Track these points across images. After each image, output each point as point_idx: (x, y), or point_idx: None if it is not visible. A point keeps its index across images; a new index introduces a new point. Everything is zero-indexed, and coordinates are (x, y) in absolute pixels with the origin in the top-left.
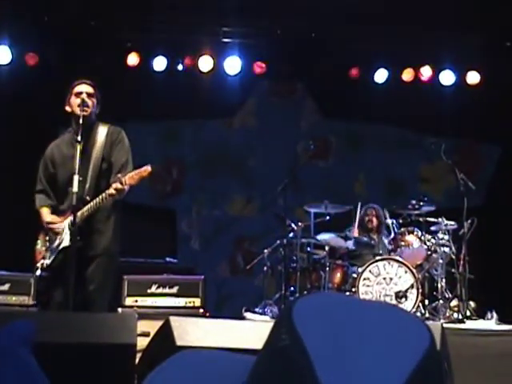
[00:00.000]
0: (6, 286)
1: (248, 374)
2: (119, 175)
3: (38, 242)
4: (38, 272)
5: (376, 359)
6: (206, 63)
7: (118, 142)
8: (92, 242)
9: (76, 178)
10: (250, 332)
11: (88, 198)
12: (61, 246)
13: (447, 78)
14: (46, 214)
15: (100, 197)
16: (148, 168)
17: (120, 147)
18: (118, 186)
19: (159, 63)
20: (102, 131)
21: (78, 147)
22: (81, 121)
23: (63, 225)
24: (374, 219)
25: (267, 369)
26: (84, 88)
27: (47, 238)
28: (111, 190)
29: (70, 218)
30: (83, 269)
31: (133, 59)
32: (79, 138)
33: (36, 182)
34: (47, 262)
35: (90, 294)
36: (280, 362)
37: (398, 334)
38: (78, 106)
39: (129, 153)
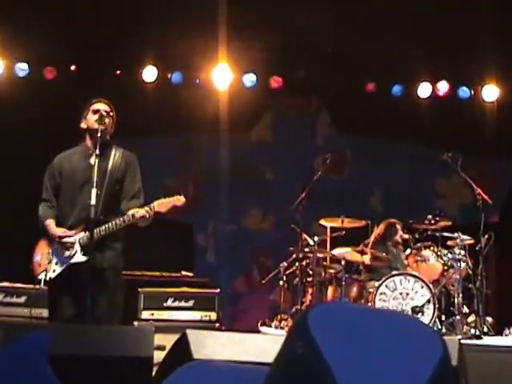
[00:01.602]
0: (22, 299)
1: (262, 383)
2: (147, 207)
3: (38, 254)
4: (41, 284)
5: (392, 366)
6: (222, 77)
7: (133, 168)
8: (103, 255)
9: (94, 191)
10: (266, 346)
11: (101, 217)
12: (72, 261)
13: (463, 92)
14: (54, 227)
15: (121, 219)
16: (182, 198)
17: (134, 174)
18: (147, 212)
19: (175, 77)
20: (116, 153)
21: (96, 161)
22: (99, 134)
23: (74, 239)
24: (400, 234)
25: (284, 377)
26: (101, 106)
27: (50, 250)
28: (137, 215)
29: (81, 233)
30: (94, 282)
31: (149, 73)
32: (97, 152)
33: (41, 191)
34: (51, 275)
35: (101, 308)
36: (297, 370)
37: (413, 342)
38: (96, 121)
39: (140, 180)
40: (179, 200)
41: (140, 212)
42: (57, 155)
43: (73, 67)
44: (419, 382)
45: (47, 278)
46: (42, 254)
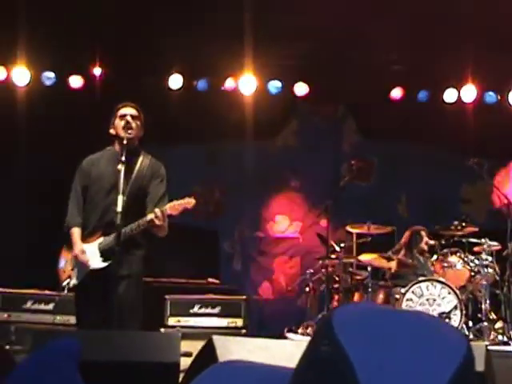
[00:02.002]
0: (50, 306)
1: (288, 382)
2: (164, 209)
3: (62, 260)
4: (65, 291)
5: (415, 366)
6: (248, 84)
7: (158, 177)
8: (123, 262)
9: (120, 198)
10: (293, 352)
11: (121, 224)
12: (91, 267)
13: (489, 98)
14: (78, 240)
15: (136, 223)
16: (192, 200)
17: (159, 181)
18: (158, 214)
19: (201, 84)
20: (144, 161)
21: (122, 168)
22: (125, 142)
23: (94, 245)
24: (426, 240)
25: (308, 377)
26: (128, 111)
27: (73, 256)
28: (150, 217)
29: (100, 239)
30: (112, 289)
31: (175, 81)
32: (123, 159)
33: (70, 192)
34: (74, 281)
35: (122, 315)
36: (321, 370)
37: (436, 342)
38: (123, 128)
39: (165, 189)
40: (189, 202)
41: (152, 216)
42: (85, 158)
43: (98, 74)
44: (442, 380)
45: (71, 285)
46: (66, 260)
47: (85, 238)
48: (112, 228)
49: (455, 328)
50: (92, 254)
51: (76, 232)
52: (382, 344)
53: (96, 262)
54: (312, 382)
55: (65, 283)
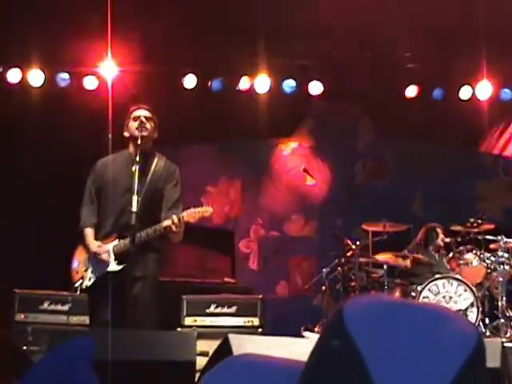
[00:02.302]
0: (66, 307)
1: (300, 374)
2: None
3: (75, 261)
4: (78, 292)
5: (425, 358)
6: (262, 83)
7: (173, 179)
8: (138, 264)
9: (135, 198)
10: (309, 349)
11: (135, 224)
12: (106, 270)
13: (505, 94)
14: (92, 240)
15: (153, 228)
16: (210, 209)
17: (174, 184)
18: (175, 221)
19: (216, 84)
20: (159, 162)
21: (137, 168)
22: (139, 141)
23: (107, 247)
24: (442, 237)
25: (320, 369)
26: (142, 112)
27: (87, 257)
28: (167, 223)
29: (115, 241)
30: (127, 291)
31: (190, 81)
32: (137, 159)
33: (84, 194)
34: (87, 283)
35: (135, 317)
36: (333, 363)
37: (446, 333)
38: (137, 128)
39: (180, 191)
40: (207, 211)
41: (169, 222)
42: (99, 160)
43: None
44: (451, 372)
45: (83, 286)
46: (79, 261)
47: (100, 240)
48: (127, 230)
49: (466, 319)
50: (107, 257)
51: (90, 232)
52: (392, 336)
53: (111, 264)
54: (323, 374)
55: (77, 284)
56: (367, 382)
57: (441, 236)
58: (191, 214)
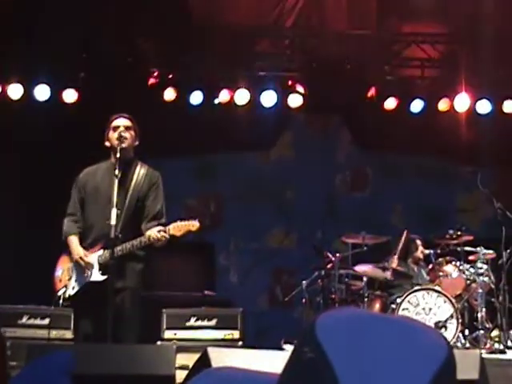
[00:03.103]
0: (45, 321)
1: None
2: (162, 227)
3: (59, 269)
4: (60, 301)
5: (396, 370)
6: (242, 97)
7: (155, 188)
8: (121, 275)
9: (114, 211)
10: None
11: (120, 235)
12: (88, 280)
13: (484, 107)
14: (77, 247)
15: (138, 240)
16: (196, 223)
17: (156, 193)
18: (162, 233)
19: (196, 97)
20: (140, 171)
21: (116, 181)
22: (118, 153)
23: (92, 257)
24: (421, 249)
25: (292, 380)
26: (121, 122)
27: (71, 266)
28: (153, 235)
29: (100, 251)
30: (110, 302)
31: (169, 94)
32: (117, 172)
33: (67, 204)
34: (70, 292)
35: (118, 329)
36: (305, 375)
37: (416, 346)
38: (116, 139)
39: (163, 200)
40: (194, 225)
41: (156, 235)
42: (82, 170)
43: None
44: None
45: (66, 295)
46: (63, 269)
47: (85, 250)
48: (113, 242)
49: (437, 332)
50: (90, 268)
51: (74, 239)
52: (363, 348)
53: (95, 274)
54: None
55: (60, 292)
56: None
57: (420, 248)
58: (177, 227)
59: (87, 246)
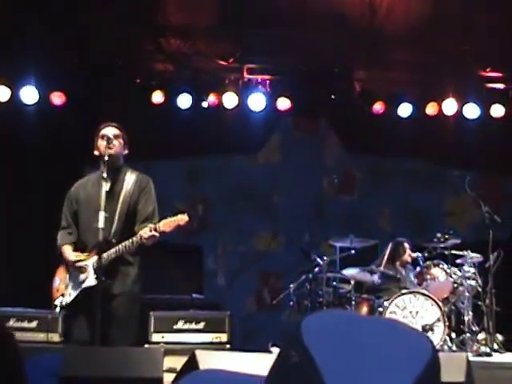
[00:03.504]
0: (33, 324)
1: None
2: (153, 225)
3: (56, 279)
4: (57, 310)
5: (381, 372)
6: (230, 100)
7: (146, 192)
8: (116, 281)
9: (102, 214)
10: None
11: (114, 240)
12: (84, 285)
13: (471, 111)
14: (70, 253)
15: (130, 240)
16: (185, 217)
17: (147, 197)
18: (153, 232)
19: (184, 101)
20: (130, 177)
21: (104, 185)
22: (106, 158)
23: (88, 263)
24: (409, 253)
25: (278, 381)
26: (109, 131)
27: (67, 275)
28: (144, 234)
29: (95, 257)
30: (106, 308)
31: (157, 97)
32: (105, 175)
33: (61, 219)
34: (67, 300)
35: (112, 334)
36: (290, 377)
37: (401, 347)
38: (104, 147)
39: (155, 203)
40: (183, 219)
41: (146, 233)
42: (75, 183)
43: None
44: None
45: (63, 304)
46: (60, 279)
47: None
48: (106, 246)
49: (422, 333)
50: (86, 273)
51: (67, 248)
52: (348, 349)
53: (90, 280)
54: None
55: (58, 302)
56: None
57: (408, 251)
58: (167, 223)
59: (80, 254)
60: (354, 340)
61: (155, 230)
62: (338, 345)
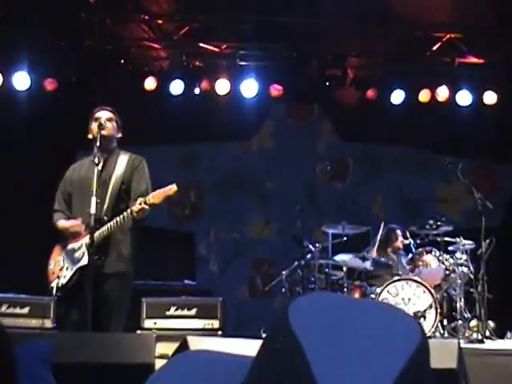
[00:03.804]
0: (26, 310)
1: (246, 374)
2: (146, 198)
3: (51, 261)
4: (54, 292)
5: (369, 358)
6: (222, 86)
7: (139, 170)
8: (109, 261)
9: (94, 199)
10: None
11: (106, 218)
12: (78, 265)
13: (464, 98)
14: (65, 222)
15: (121, 216)
16: (174, 187)
17: (141, 175)
18: (143, 205)
19: (176, 87)
20: (123, 158)
21: (96, 169)
22: (98, 141)
23: (81, 243)
24: (401, 239)
25: (265, 369)
26: (102, 114)
27: (61, 257)
28: (134, 208)
29: (87, 237)
30: (99, 287)
31: (150, 83)
32: (97, 160)
33: (54, 201)
34: (62, 281)
35: (105, 314)
36: (277, 363)
37: (391, 332)
38: (97, 127)
39: (149, 181)
40: (171, 189)
41: (136, 206)
42: (69, 167)
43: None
44: (395, 370)
45: (59, 285)
46: (54, 262)
47: (73, 240)
48: (99, 226)
49: (410, 316)
50: (79, 253)
51: (62, 221)
52: (336, 333)
53: (83, 260)
54: (268, 373)
55: (54, 284)
56: (309, 378)
57: (400, 238)
58: (156, 195)
59: (78, 235)
60: (342, 324)
61: (145, 202)
62: (326, 329)
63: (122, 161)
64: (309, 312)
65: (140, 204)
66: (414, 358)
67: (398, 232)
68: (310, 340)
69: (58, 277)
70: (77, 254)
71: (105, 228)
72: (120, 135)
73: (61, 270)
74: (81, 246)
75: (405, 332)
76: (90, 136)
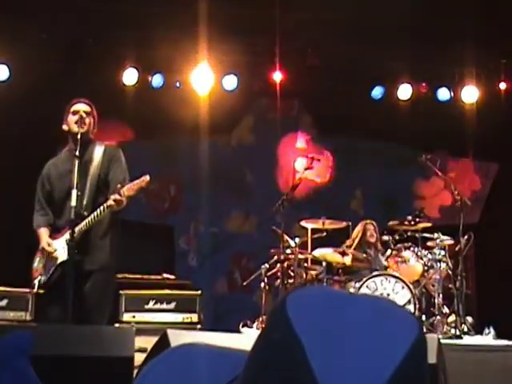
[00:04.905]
0: (3, 302)
1: (243, 367)
2: (118, 186)
3: (36, 259)
4: (35, 289)
5: (367, 350)
6: (202, 80)
7: (116, 161)
8: (90, 256)
9: (74, 192)
10: (248, 345)
11: (86, 213)
12: (58, 261)
13: (444, 94)
14: (43, 237)
15: (98, 210)
16: (146, 178)
17: (117, 165)
18: (117, 197)
19: (157, 80)
20: (99, 150)
21: (76, 162)
22: (79, 136)
23: (60, 241)
24: (374, 234)
25: (262, 361)
26: (81, 107)
27: (44, 255)
28: (110, 202)
29: (68, 232)
30: (81, 284)
31: (130, 76)
32: (77, 153)
33: (34, 200)
34: (44, 278)
35: (88, 310)
36: (275, 354)
37: (389, 324)
38: (76, 122)
39: (126, 171)
40: (144, 181)
41: (111, 200)
42: (46, 163)
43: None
44: (393, 362)
45: (41, 282)
46: (38, 259)
47: (55, 236)
48: (79, 221)
49: (407, 310)
50: (60, 249)
51: (43, 231)
52: (334, 326)
53: (63, 255)
54: (266, 367)
55: (36, 281)
56: (307, 371)
57: (374, 234)
58: (130, 187)
59: (58, 230)
60: (340, 316)
61: (119, 194)
62: (323, 321)
63: (98, 152)
64: (307, 304)
65: (115, 195)
66: (412, 352)
67: (371, 227)
68: (308, 331)
69: (41, 274)
70: (57, 252)
71: (83, 223)
72: (96, 130)
73: (43, 267)
74: (62, 243)
75: (403, 326)
76: (65, 127)
